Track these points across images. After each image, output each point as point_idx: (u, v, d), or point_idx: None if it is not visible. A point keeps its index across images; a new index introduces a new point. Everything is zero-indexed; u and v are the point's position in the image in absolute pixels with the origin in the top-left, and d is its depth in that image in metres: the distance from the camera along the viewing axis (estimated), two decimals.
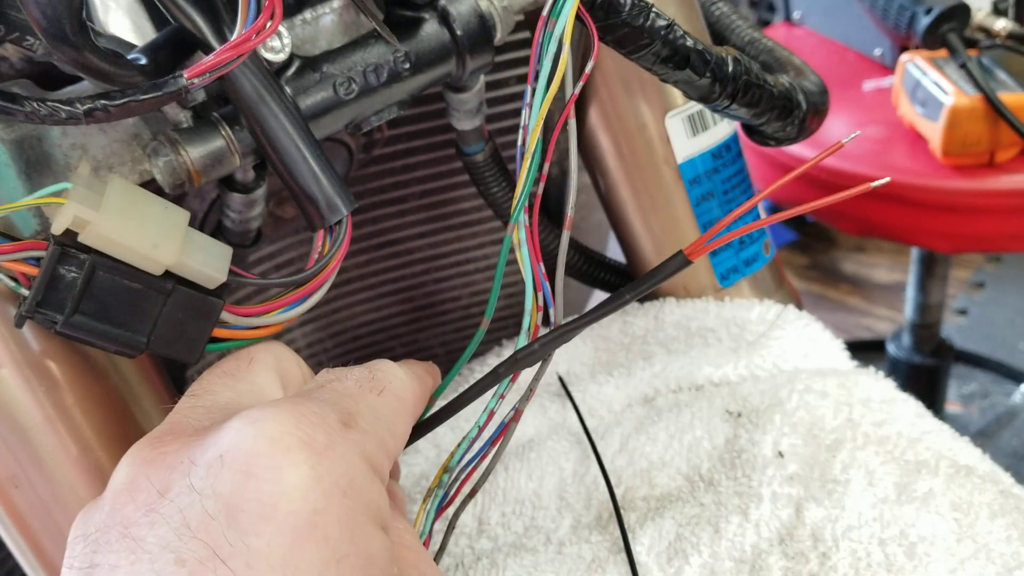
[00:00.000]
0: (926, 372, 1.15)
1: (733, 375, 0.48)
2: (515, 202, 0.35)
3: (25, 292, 0.32)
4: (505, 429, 0.36)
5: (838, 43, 1.06)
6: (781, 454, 0.42)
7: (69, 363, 0.36)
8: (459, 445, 0.36)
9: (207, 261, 0.33)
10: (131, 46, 0.36)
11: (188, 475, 0.23)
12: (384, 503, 0.26)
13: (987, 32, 0.90)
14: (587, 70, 0.34)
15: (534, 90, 0.34)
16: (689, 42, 0.38)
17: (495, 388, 0.36)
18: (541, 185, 0.35)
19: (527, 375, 0.36)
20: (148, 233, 0.32)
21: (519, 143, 0.35)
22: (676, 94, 0.48)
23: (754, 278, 0.52)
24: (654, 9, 0.37)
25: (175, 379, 0.55)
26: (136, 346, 0.33)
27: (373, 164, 0.68)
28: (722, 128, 0.50)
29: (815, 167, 0.91)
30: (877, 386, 0.48)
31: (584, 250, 0.56)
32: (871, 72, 0.99)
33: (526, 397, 0.36)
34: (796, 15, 1.12)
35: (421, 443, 0.49)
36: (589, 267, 0.56)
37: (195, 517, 0.22)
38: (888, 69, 0.97)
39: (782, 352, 0.49)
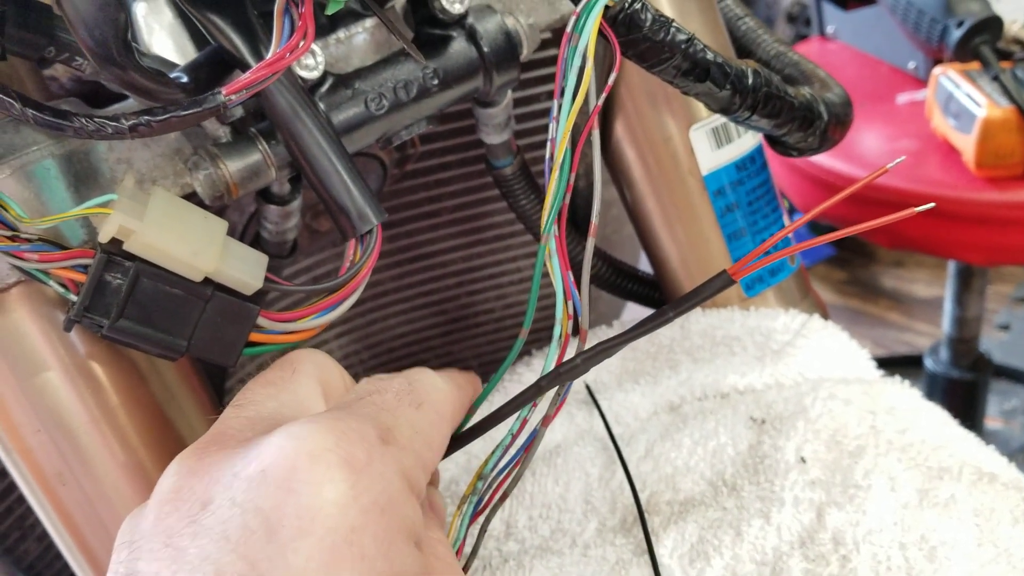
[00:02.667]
0: (964, 387, 1.14)
1: (758, 383, 0.49)
2: (546, 213, 0.36)
3: (74, 298, 0.34)
4: (536, 437, 0.36)
5: (872, 57, 1.06)
6: (803, 459, 0.43)
7: (114, 366, 0.38)
8: (492, 453, 0.37)
9: (244, 268, 0.35)
10: (173, 65, 0.38)
11: (231, 488, 0.24)
12: (418, 518, 0.27)
13: (1022, 44, 0.90)
14: (609, 82, 0.36)
15: (560, 105, 0.35)
16: (709, 55, 0.39)
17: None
18: (568, 196, 0.36)
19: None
20: (189, 241, 0.33)
21: (547, 155, 0.36)
22: (700, 107, 0.49)
23: (779, 288, 0.53)
24: (674, 24, 0.38)
25: (216, 384, 0.57)
26: (177, 349, 0.35)
27: (407, 179, 0.70)
28: (746, 140, 0.50)
29: (842, 179, 0.91)
30: (902, 395, 0.48)
31: (612, 261, 0.57)
32: (905, 85, 1.00)
33: (555, 403, 0.37)
34: (830, 30, 1.12)
35: None
36: (617, 278, 0.57)
37: (235, 530, 0.23)
38: (922, 82, 0.97)
39: (807, 361, 0.50)
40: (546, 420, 0.37)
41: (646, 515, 0.43)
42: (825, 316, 0.54)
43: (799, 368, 0.49)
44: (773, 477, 0.42)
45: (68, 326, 0.34)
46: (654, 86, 0.49)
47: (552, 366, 0.35)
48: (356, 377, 0.86)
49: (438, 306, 0.81)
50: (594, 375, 0.53)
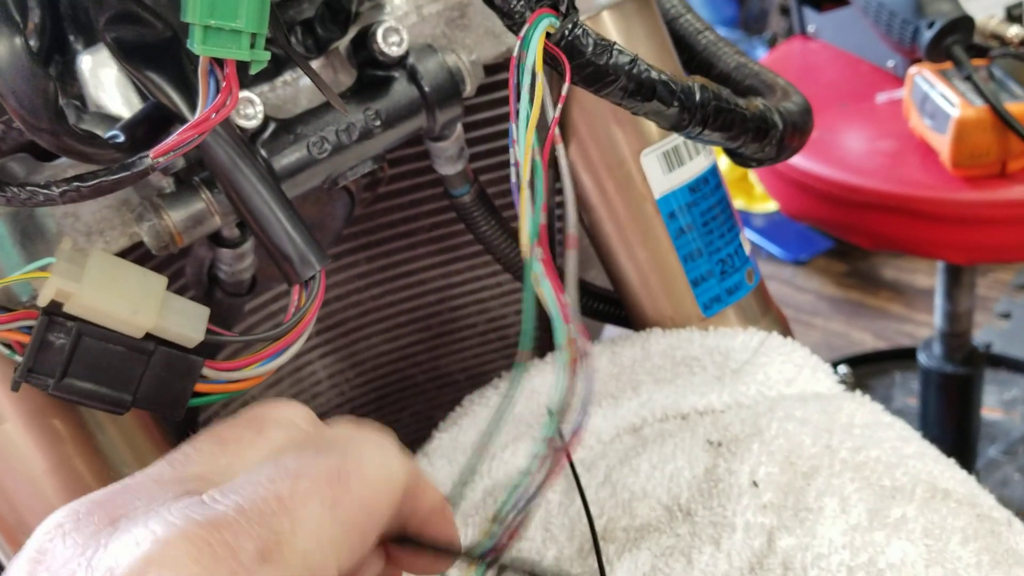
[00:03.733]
0: (958, 381, 1.14)
1: (718, 403, 0.50)
2: (524, 235, 0.34)
3: (19, 359, 0.34)
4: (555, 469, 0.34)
5: (852, 55, 1.06)
6: (756, 484, 0.43)
7: (68, 417, 0.39)
8: (509, 493, 0.33)
9: (184, 323, 0.35)
10: (118, 119, 0.39)
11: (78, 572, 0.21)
12: None
13: (1000, 40, 0.90)
14: (563, 93, 0.36)
15: (517, 128, 0.35)
16: (654, 74, 0.39)
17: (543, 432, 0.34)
18: (544, 215, 0.35)
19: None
20: (127, 300, 0.34)
21: (512, 180, 0.35)
22: (652, 131, 0.50)
23: (739, 306, 0.53)
24: (616, 46, 0.38)
25: (185, 423, 0.58)
26: (123, 404, 0.35)
27: (382, 200, 0.71)
28: (699, 162, 0.51)
29: (825, 183, 0.91)
30: (861, 410, 0.49)
31: (582, 282, 0.57)
32: (884, 84, 0.99)
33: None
34: (811, 29, 1.12)
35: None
36: (587, 299, 0.57)
37: None
38: (901, 80, 0.97)
39: (766, 379, 0.50)
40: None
41: (602, 542, 0.43)
42: (786, 332, 0.54)
43: (758, 387, 0.50)
44: (726, 502, 0.43)
45: (15, 386, 0.35)
46: (604, 112, 0.50)
47: (562, 396, 0.33)
48: (343, 396, 0.86)
49: (422, 322, 0.81)
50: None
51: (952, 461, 0.47)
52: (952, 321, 1.11)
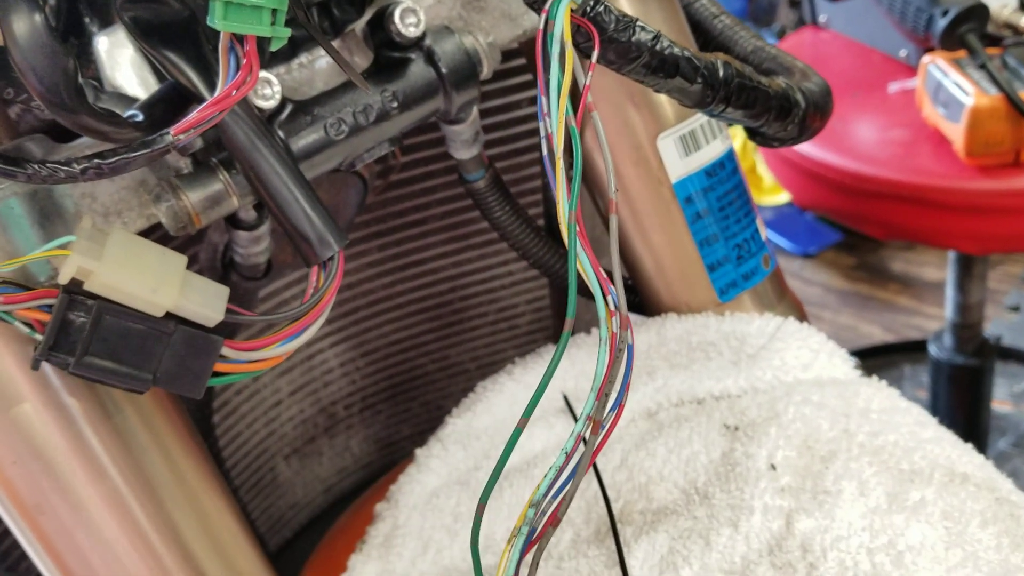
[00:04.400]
0: (969, 372, 1.13)
1: (734, 388, 0.49)
2: (562, 208, 0.33)
3: (40, 337, 0.34)
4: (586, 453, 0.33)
5: (864, 45, 1.05)
6: (774, 467, 0.43)
7: (87, 397, 0.39)
8: (545, 476, 0.33)
9: (204, 302, 0.35)
10: (134, 100, 0.39)
11: None
12: None
13: (1014, 29, 0.89)
14: (593, 59, 0.35)
15: (548, 98, 0.34)
16: (676, 51, 0.39)
17: (581, 411, 0.33)
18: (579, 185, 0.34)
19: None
20: (147, 278, 0.34)
21: (545, 152, 0.34)
22: (668, 115, 0.49)
23: (754, 291, 0.53)
24: (639, 22, 0.38)
25: (201, 407, 0.58)
26: (143, 383, 0.35)
27: (393, 189, 0.70)
28: (715, 147, 0.51)
29: (837, 172, 0.91)
30: (878, 396, 0.48)
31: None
32: (897, 73, 0.99)
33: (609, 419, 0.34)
34: (822, 19, 1.11)
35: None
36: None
37: None
38: (914, 70, 0.96)
39: (782, 364, 0.50)
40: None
41: (619, 525, 0.43)
42: (802, 318, 0.54)
43: (774, 372, 0.50)
44: (744, 485, 0.43)
45: (35, 365, 0.35)
46: (621, 95, 0.50)
47: (603, 371, 0.33)
48: (354, 385, 0.86)
49: (433, 311, 0.81)
50: (574, 383, 0.54)
51: (970, 446, 0.47)
52: (963, 312, 1.11)
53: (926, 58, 0.87)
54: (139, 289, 0.34)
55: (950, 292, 1.11)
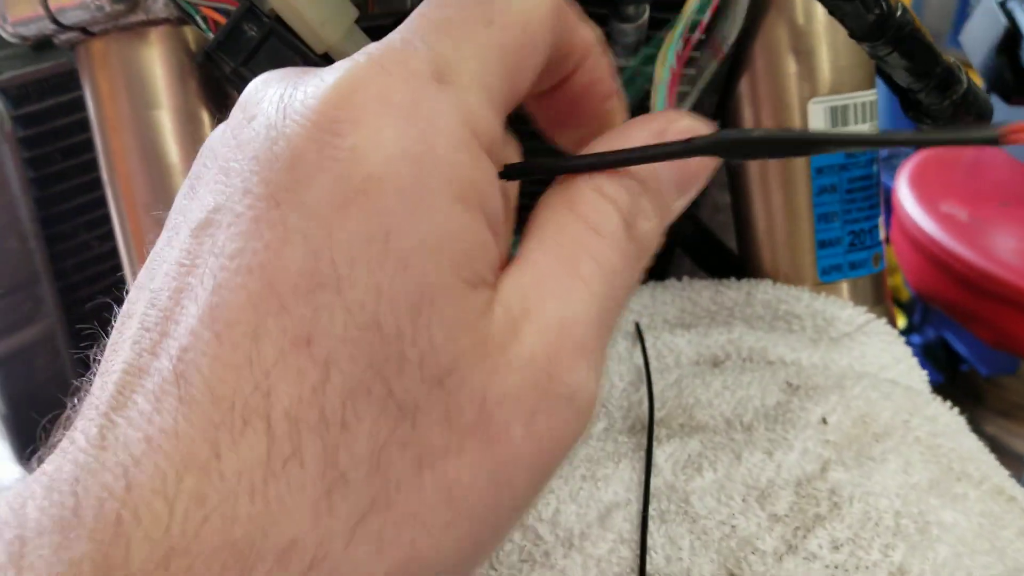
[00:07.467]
0: None
1: (806, 361, 0.49)
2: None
3: (210, 35, 0.37)
4: None
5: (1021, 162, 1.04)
6: (825, 421, 0.43)
7: (213, 112, 0.42)
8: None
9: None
10: None
11: (271, 107, 0.22)
12: (482, 176, 0.21)
13: None
14: None
15: None
16: None
17: None
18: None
19: None
20: (321, 10, 0.37)
21: None
22: (825, 82, 0.50)
23: (855, 284, 0.53)
24: None
25: None
26: None
27: None
28: (862, 130, 0.51)
29: (966, 266, 0.89)
30: (948, 414, 0.47)
31: (696, 222, 0.58)
32: None
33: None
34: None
35: None
36: (699, 241, 0.58)
37: (263, 152, 0.21)
38: None
39: (862, 356, 0.50)
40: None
41: (655, 428, 0.43)
42: (894, 326, 0.53)
43: (851, 360, 0.49)
44: (790, 428, 0.43)
45: (201, 57, 0.38)
46: (785, 53, 0.51)
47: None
48: None
49: None
50: (648, 319, 0.54)
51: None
52: None
53: None
54: (311, 16, 0.36)
55: None
